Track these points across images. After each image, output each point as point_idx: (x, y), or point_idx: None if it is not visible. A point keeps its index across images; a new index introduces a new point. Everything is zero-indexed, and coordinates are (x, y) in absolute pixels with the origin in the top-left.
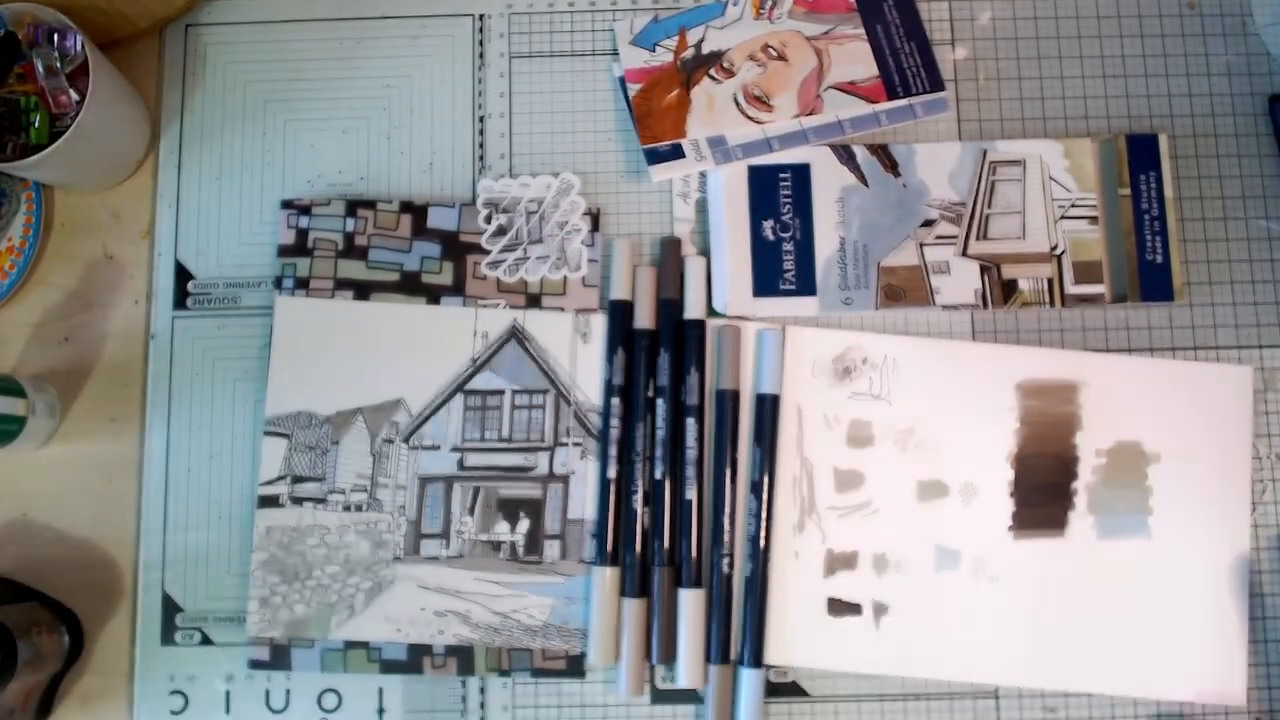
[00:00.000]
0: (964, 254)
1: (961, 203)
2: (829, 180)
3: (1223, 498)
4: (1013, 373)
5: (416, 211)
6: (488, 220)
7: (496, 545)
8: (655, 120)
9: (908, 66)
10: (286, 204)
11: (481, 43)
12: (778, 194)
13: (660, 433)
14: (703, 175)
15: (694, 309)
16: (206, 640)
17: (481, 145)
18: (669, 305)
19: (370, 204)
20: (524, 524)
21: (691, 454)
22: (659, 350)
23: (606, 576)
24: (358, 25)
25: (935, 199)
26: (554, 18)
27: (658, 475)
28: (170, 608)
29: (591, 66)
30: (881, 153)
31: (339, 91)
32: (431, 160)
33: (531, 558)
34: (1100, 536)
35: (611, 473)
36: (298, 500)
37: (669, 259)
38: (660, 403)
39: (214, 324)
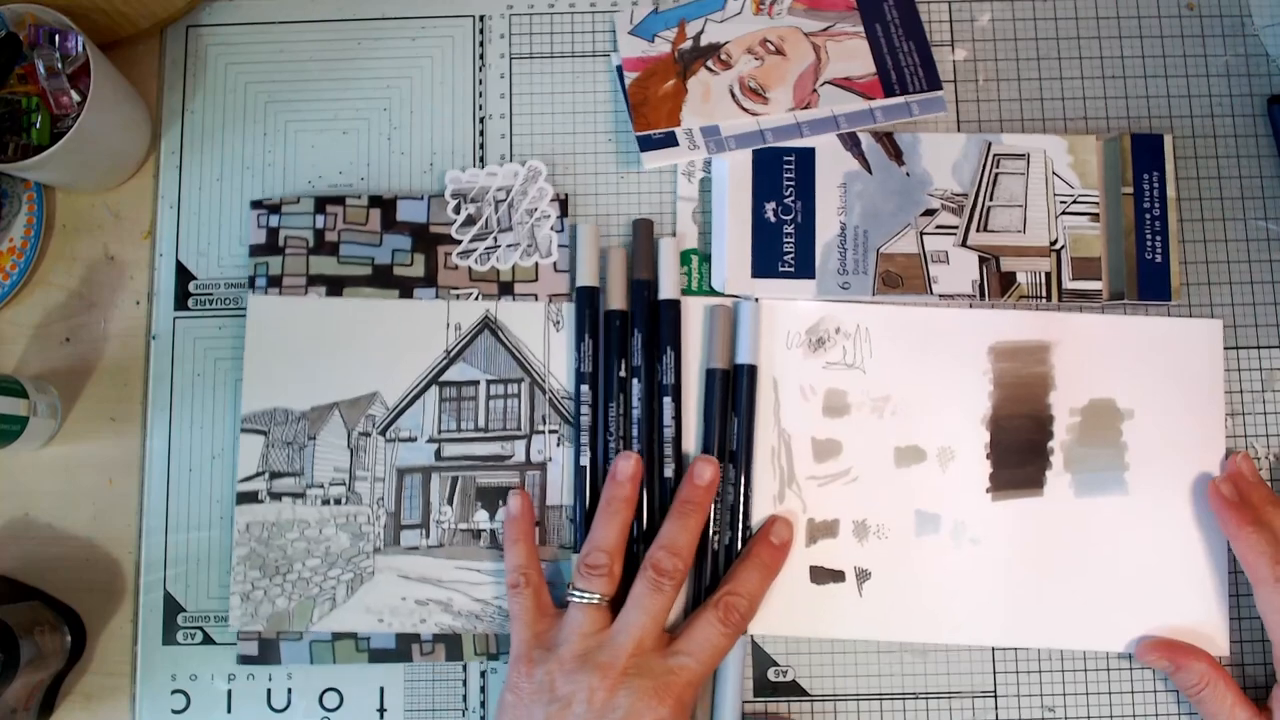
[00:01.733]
0: (964, 244)
1: (964, 194)
2: (833, 165)
3: (1198, 451)
4: (985, 336)
5: (385, 205)
6: (456, 210)
7: (476, 534)
8: (650, 108)
9: (905, 65)
10: (256, 204)
11: (482, 44)
12: (781, 177)
13: (636, 412)
14: (708, 157)
15: (669, 289)
16: (208, 640)
17: (482, 146)
18: (643, 286)
19: (339, 199)
20: (503, 512)
21: (669, 432)
22: (631, 331)
23: None
24: (358, 26)
25: (937, 189)
26: (554, 18)
27: None
28: (172, 607)
29: (592, 67)
30: (886, 140)
31: (339, 92)
32: (432, 161)
33: None
34: (1078, 494)
35: (585, 460)
36: (276, 495)
37: (642, 240)
38: (635, 383)
39: (215, 324)
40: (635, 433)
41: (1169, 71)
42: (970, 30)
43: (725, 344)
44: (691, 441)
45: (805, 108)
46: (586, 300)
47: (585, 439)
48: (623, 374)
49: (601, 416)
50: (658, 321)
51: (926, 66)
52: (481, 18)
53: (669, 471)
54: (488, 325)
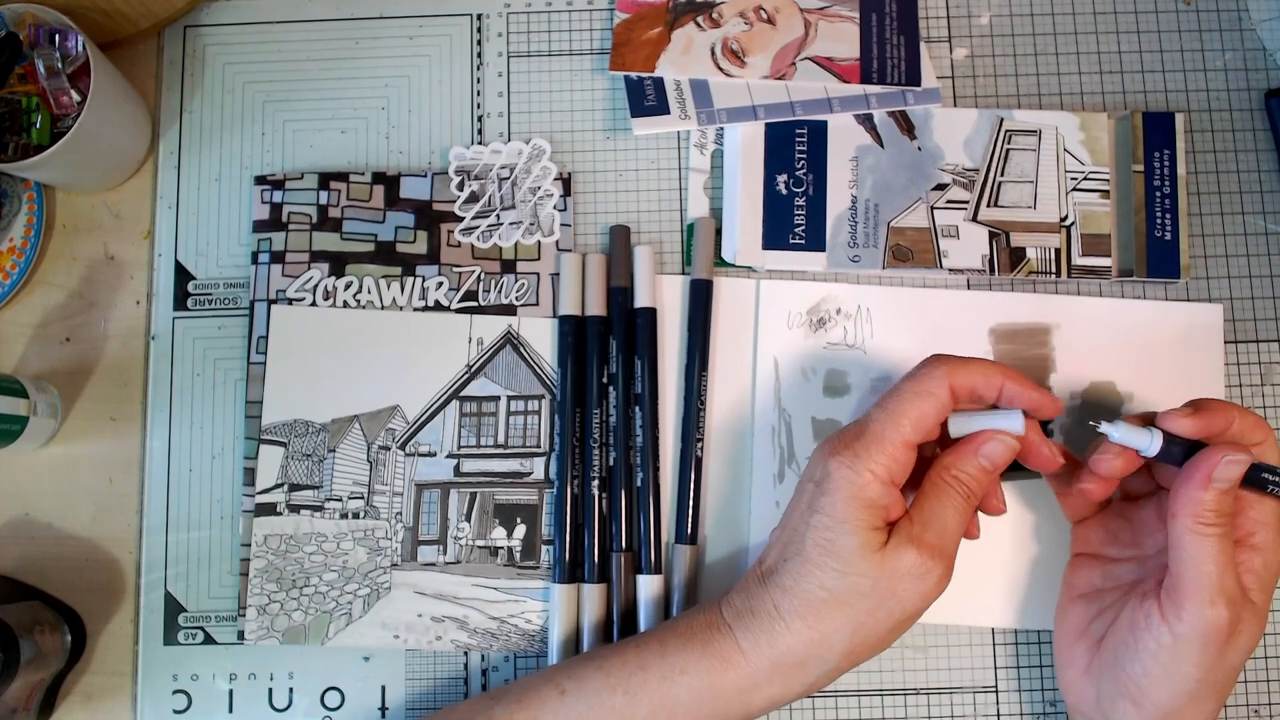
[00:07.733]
0: (974, 219)
1: (975, 169)
2: (845, 139)
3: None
4: (985, 317)
5: (389, 182)
6: (460, 188)
7: (494, 551)
8: (630, 50)
9: (890, 57)
10: (260, 179)
11: (479, 42)
12: (793, 149)
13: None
14: (720, 128)
15: (643, 296)
16: (209, 640)
17: (481, 145)
18: (619, 293)
19: (343, 176)
20: (520, 529)
21: (642, 440)
22: (609, 337)
23: (563, 594)
24: (355, 25)
25: (949, 163)
26: (551, 17)
27: (612, 462)
28: (173, 607)
29: (590, 66)
30: (899, 115)
31: (337, 92)
32: (430, 160)
33: (528, 563)
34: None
35: (570, 491)
36: (295, 508)
37: (619, 247)
38: (613, 391)
39: (215, 324)
40: (612, 440)
41: (1166, 67)
42: (968, 26)
43: (706, 256)
44: (669, 445)
45: (780, 78)
46: (569, 328)
47: (571, 471)
48: (604, 380)
49: (575, 447)
50: (633, 329)
51: (911, 62)
52: (479, 16)
53: (640, 480)
54: (510, 340)
